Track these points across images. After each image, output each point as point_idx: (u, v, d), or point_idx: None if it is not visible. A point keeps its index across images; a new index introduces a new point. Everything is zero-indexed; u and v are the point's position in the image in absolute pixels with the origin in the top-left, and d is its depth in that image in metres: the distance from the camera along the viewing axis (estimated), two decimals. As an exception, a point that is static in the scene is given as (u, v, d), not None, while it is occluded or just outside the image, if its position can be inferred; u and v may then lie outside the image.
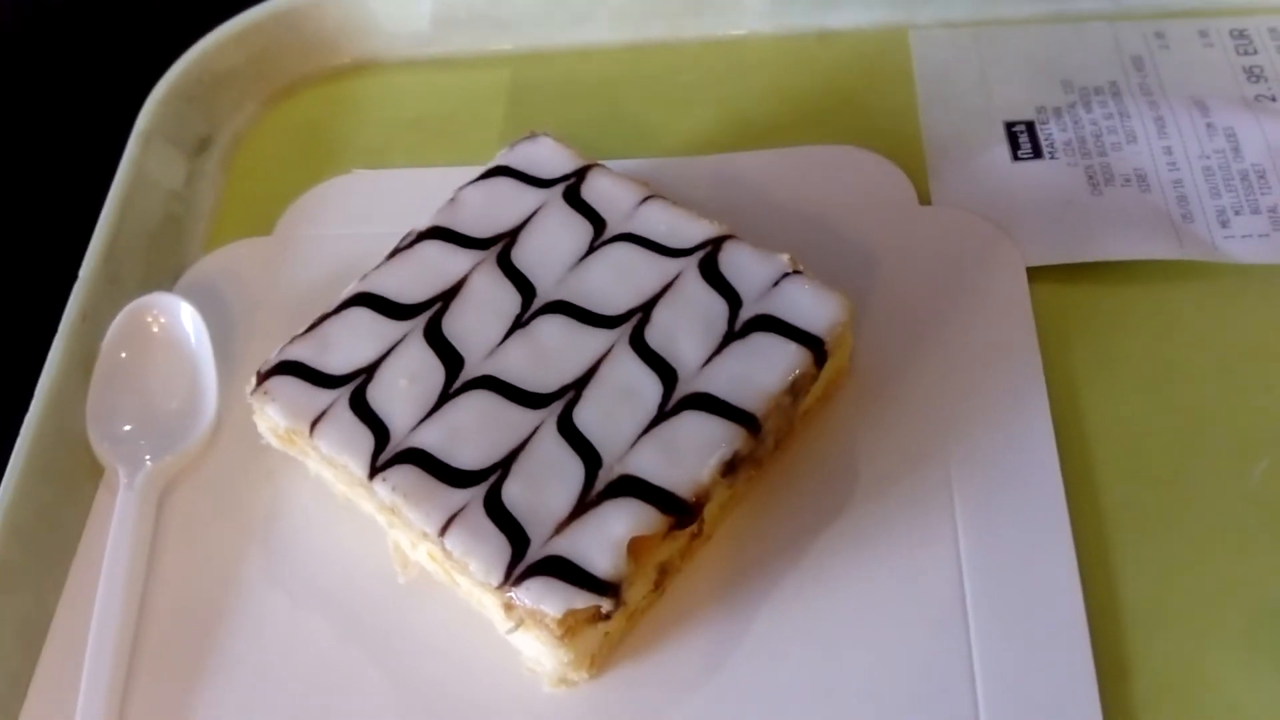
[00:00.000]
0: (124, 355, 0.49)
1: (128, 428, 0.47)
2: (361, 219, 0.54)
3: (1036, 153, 0.53)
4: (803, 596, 0.42)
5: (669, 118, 0.57)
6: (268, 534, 0.45)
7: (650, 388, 0.41)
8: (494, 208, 0.47)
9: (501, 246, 0.46)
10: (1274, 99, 0.53)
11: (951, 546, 0.42)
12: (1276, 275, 0.48)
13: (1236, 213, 0.49)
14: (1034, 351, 0.46)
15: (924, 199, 0.52)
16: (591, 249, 0.45)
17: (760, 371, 0.41)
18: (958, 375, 0.46)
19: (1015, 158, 0.53)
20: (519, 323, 0.44)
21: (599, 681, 0.41)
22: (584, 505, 0.39)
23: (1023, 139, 0.53)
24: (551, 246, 0.46)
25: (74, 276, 0.51)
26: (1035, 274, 0.48)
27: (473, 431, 0.41)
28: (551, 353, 0.43)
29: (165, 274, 0.53)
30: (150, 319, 0.50)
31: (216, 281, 0.52)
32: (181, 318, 0.49)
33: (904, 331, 0.47)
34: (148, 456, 0.47)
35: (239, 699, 0.42)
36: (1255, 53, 0.55)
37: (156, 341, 0.49)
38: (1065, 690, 0.39)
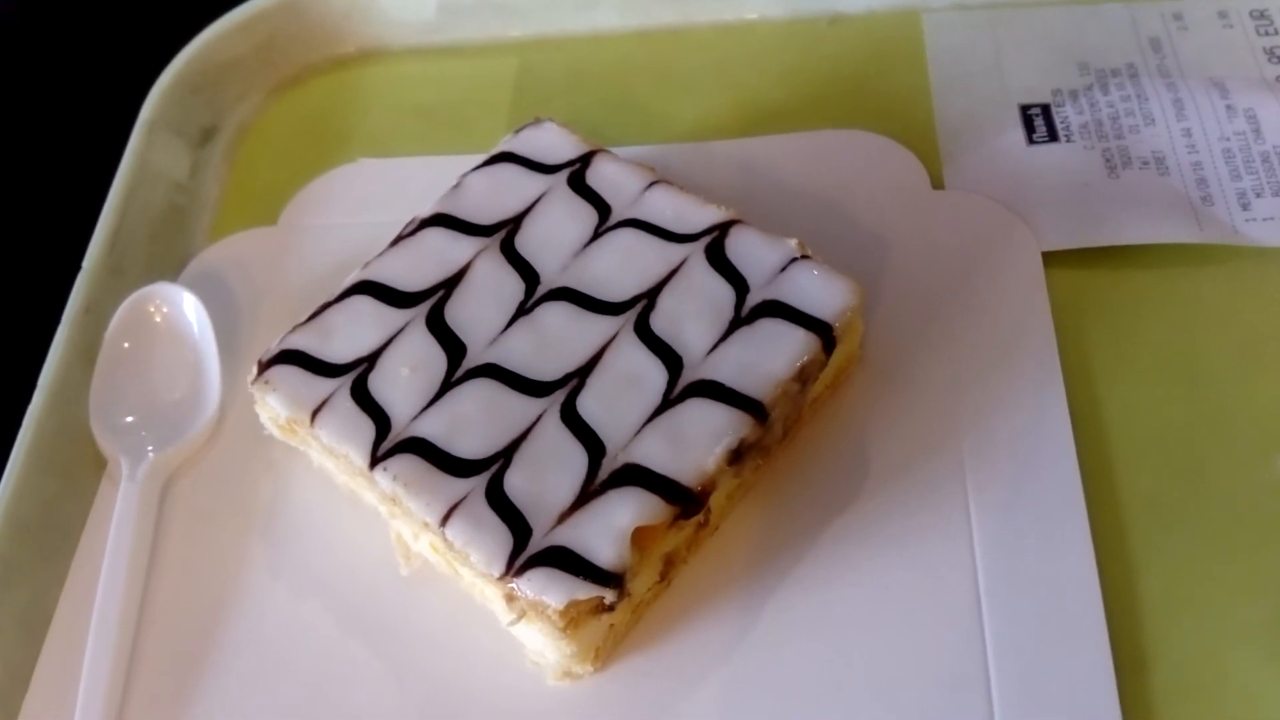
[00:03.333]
0: (127, 346, 0.49)
1: (130, 419, 0.47)
2: (367, 208, 0.54)
3: (1052, 136, 0.52)
4: (812, 589, 0.41)
5: (679, 104, 0.56)
6: (270, 525, 0.45)
7: (655, 375, 0.41)
8: (498, 194, 0.46)
9: (505, 233, 0.45)
10: (1296, 80, 0.52)
11: (965, 538, 0.41)
12: (1299, 259, 0.47)
13: (1258, 195, 0.48)
14: (1050, 338, 0.45)
15: (937, 183, 0.51)
16: (596, 235, 0.45)
17: (767, 358, 0.41)
18: (972, 363, 0.45)
19: (1030, 141, 0.52)
20: (522, 310, 0.43)
21: (604, 675, 0.40)
22: (587, 494, 0.38)
23: (1038, 122, 0.52)
24: (555, 233, 0.45)
25: (77, 268, 0.51)
26: (1051, 259, 0.47)
27: (475, 420, 0.40)
28: (555, 340, 0.42)
29: (169, 265, 0.53)
30: (153, 309, 0.49)
31: (221, 272, 0.52)
32: (184, 308, 0.49)
33: (917, 318, 0.47)
34: (150, 448, 0.46)
35: (241, 691, 0.41)
36: (1276, 33, 0.54)
37: (159, 332, 0.49)
38: (1082, 683, 0.38)
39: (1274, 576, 0.40)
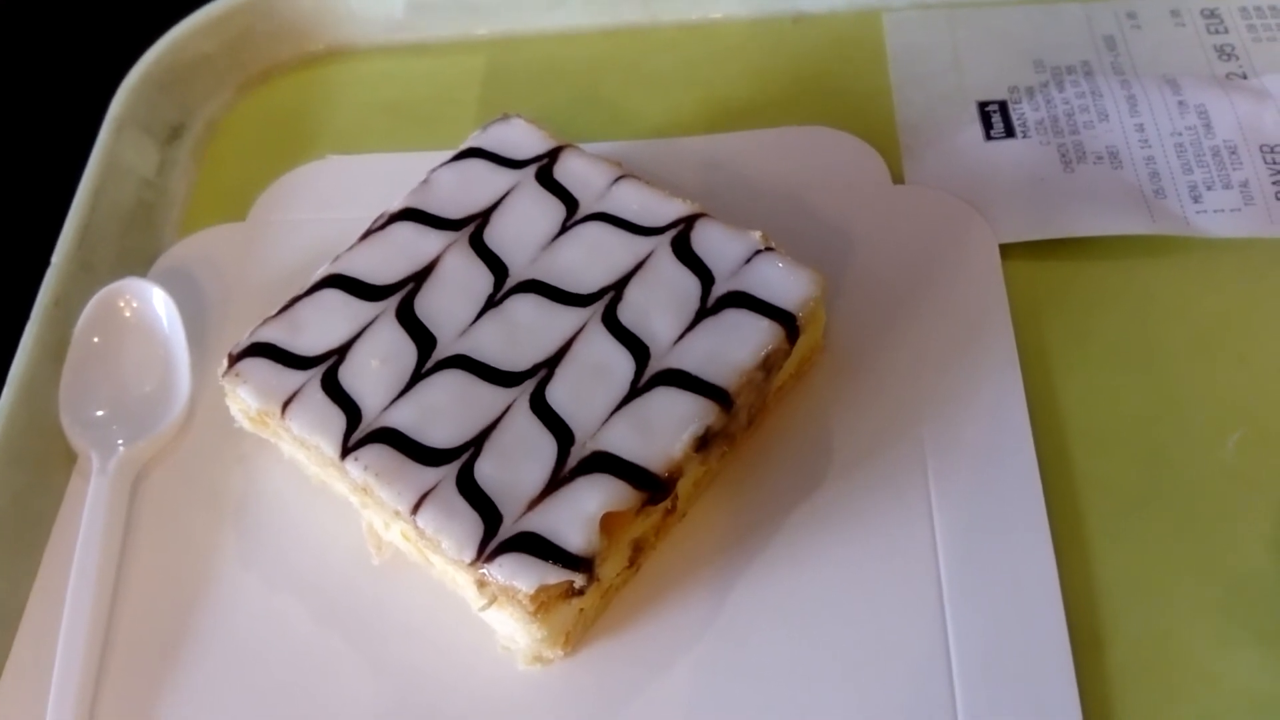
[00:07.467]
0: (96, 340, 0.49)
1: (100, 413, 0.47)
2: (336, 204, 0.54)
3: (1009, 132, 0.53)
4: (778, 573, 0.42)
5: (645, 101, 0.57)
6: (241, 518, 0.45)
7: (623, 365, 0.41)
8: (466, 189, 0.47)
9: (474, 227, 0.46)
10: (1245, 77, 0.54)
11: (926, 522, 0.42)
12: (1248, 249, 0.48)
13: (1208, 188, 0.50)
14: (1007, 327, 0.46)
15: (898, 178, 0.52)
16: (564, 229, 0.45)
17: (732, 347, 0.41)
18: (932, 352, 0.46)
19: (988, 137, 0.53)
20: (491, 302, 0.44)
21: (574, 659, 0.41)
22: (557, 482, 0.39)
23: (995, 118, 0.53)
24: (524, 226, 0.46)
25: (46, 263, 0.51)
26: (1008, 251, 0.49)
27: (445, 410, 0.41)
28: (524, 331, 0.43)
29: (138, 261, 0.53)
30: (123, 304, 0.49)
31: (190, 267, 0.52)
32: (154, 302, 0.49)
33: (878, 309, 0.48)
34: (120, 442, 0.46)
35: (214, 684, 0.42)
36: (1226, 31, 0.55)
37: (129, 326, 0.49)
38: (1040, 662, 0.39)
39: (1227, 558, 0.41)
